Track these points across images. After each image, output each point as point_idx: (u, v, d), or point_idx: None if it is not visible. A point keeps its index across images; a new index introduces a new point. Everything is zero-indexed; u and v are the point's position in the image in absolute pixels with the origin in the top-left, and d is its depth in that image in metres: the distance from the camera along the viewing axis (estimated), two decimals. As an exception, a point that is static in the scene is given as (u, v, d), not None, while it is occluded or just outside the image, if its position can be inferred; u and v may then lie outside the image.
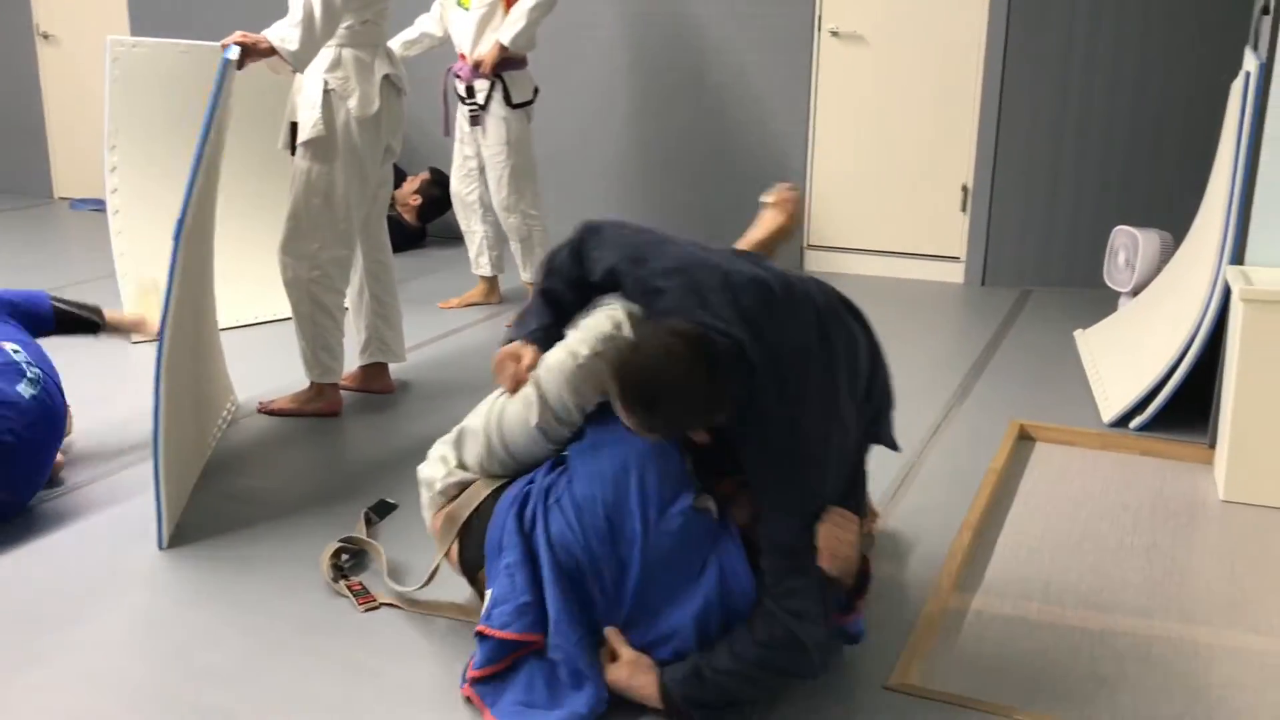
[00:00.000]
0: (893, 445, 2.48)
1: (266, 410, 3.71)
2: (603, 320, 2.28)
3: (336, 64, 3.44)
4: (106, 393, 3.82)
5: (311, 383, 3.69)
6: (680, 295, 2.11)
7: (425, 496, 2.43)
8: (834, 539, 2.02)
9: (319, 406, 3.69)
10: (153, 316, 3.36)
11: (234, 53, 2.98)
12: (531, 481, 2.26)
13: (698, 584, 2.10)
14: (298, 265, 3.53)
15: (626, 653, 2.11)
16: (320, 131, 3.44)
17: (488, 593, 2.19)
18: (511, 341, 2.35)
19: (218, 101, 2.82)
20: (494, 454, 2.33)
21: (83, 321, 3.42)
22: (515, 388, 2.29)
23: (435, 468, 2.41)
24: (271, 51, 3.17)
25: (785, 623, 2.01)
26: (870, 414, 2.34)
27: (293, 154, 3.52)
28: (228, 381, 3.74)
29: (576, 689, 2.10)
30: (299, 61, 3.24)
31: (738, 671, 2.04)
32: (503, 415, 2.31)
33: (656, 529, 2.10)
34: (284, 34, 3.18)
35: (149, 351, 4.22)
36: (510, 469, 2.34)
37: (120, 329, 3.58)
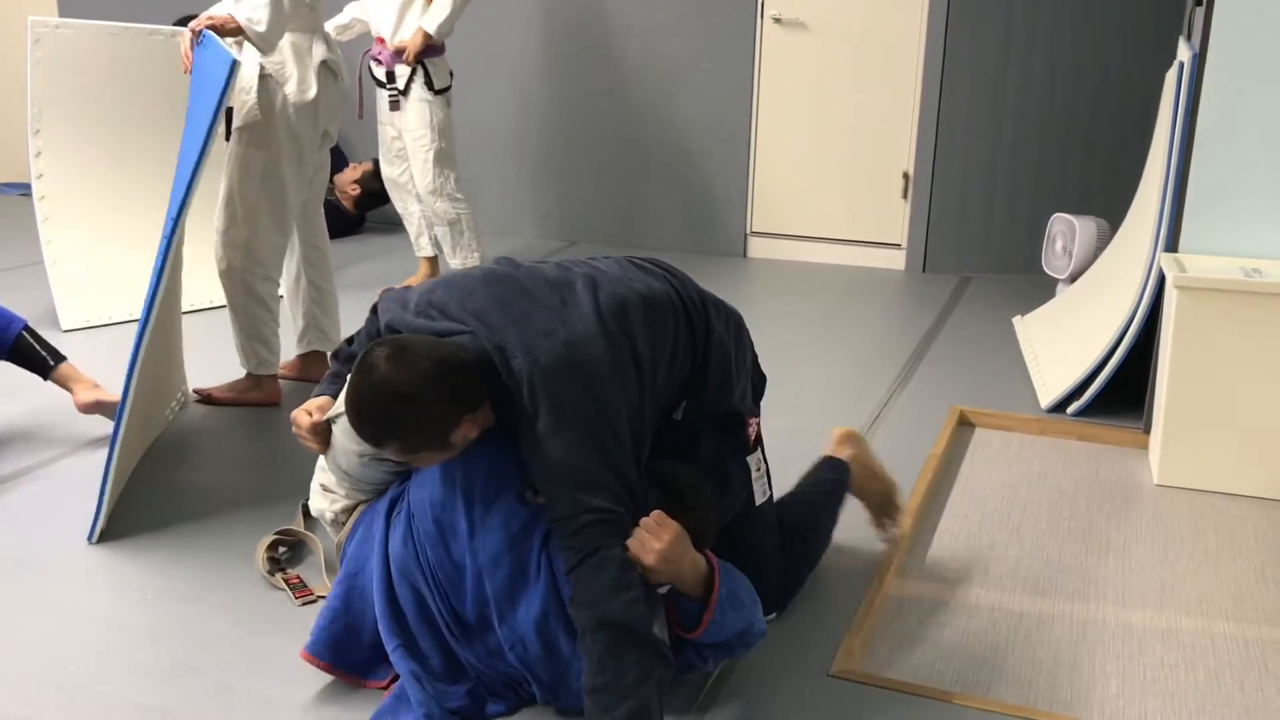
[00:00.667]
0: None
1: (204, 398, 3.64)
2: None
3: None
4: (31, 384, 3.72)
5: (248, 373, 3.63)
6: (448, 315, 2.06)
7: (328, 528, 2.40)
8: (643, 551, 1.93)
9: (257, 397, 3.64)
10: (106, 400, 3.26)
11: (235, 52, 2.90)
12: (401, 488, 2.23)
13: (535, 585, 2.02)
14: (232, 254, 3.47)
15: None
16: (256, 116, 3.38)
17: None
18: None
19: (222, 101, 2.74)
20: (344, 481, 2.29)
21: (37, 359, 3.28)
22: (316, 441, 2.26)
23: (319, 500, 2.37)
24: (238, 31, 3.12)
25: (597, 627, 1.87)
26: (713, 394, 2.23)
27: (227, 139, 3.45)
28: (181, 370, 3.67)
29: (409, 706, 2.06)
30: (265, 44, 3.19)
31: (605, 690, 1.86)
32: (334, 446, 2.25)
33: (482, 526, 2.04)
34: (251, 14, 3.12)
35: (80, 341, 4.14)
36: (368, 491, 2.30)
37: (65, 384, 3.32)
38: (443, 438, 2.00)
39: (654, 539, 1.94)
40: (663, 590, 1.98)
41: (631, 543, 1.94)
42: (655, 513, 1.98)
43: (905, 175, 5.53)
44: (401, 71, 4.62)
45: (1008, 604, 2.55)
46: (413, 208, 4.95)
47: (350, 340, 2.34)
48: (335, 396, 2.25)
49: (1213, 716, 2.15)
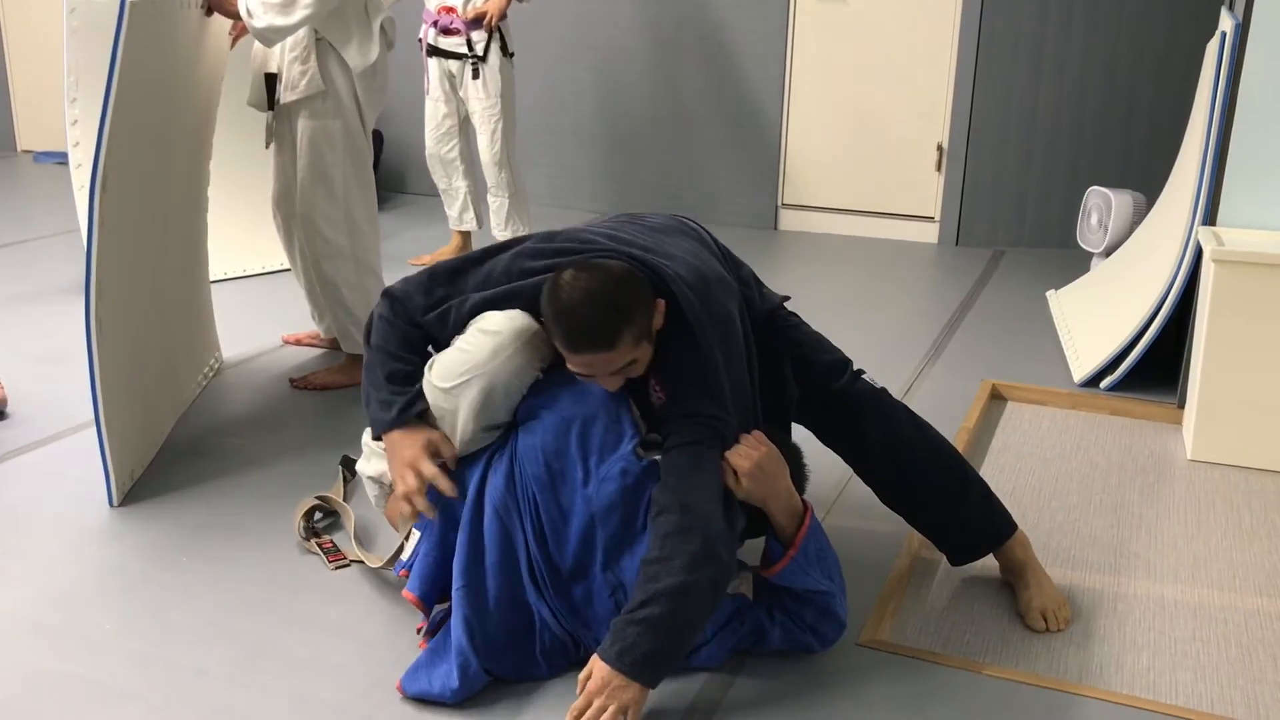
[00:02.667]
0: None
1: (302, 385, 3.53)
2: (479, 339, 2.16)
3: (329, 11, 3.19)
4: (66, 349, 3.77)
5: (349, 355, 3.54)
6: (575, 247, 2.13)
7: (374, 492, 2.39)
8: (738, 456, 2.06)
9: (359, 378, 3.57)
10: None
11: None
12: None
13: (642, 538, 2.06)
14: (336, 234, 3.35)
15: (594, 680, 1.94)
16: (320, 86, 3.25)
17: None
18: (381, 437, 2.21)
19: (118, 43, 2.55)
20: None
21: None
22: (422, 504, 2.14)
23: (374, 462, 2.34)
24: (237, 15, 3.04)
25: (680, 526, 1.95)
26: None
27: (268, 109, 3.34)
28: (211, 337, 3.67)
29: (447, 655, 2.06)
30: (264, 39, 3.08)
31: (667, 595, 1.91)
32: (448, 426, 2.19)
33: (597, 476, 2.08)
34: (252, 5, 3.00)
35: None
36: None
37: None
38: (649, 325, 2.06)
39: (753, 449, 2.07)
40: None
41: (731, 452, 2.06)
42: (756, 431, 2.12)
43: (939, 147, 5.48)
44: (479, 38, 4.60)
45: (1038, 576, 2.53)
46: (459, 184, 4.92)
47: (367, 334, 2.25)
48: (418, 408, 2.16)
49: (1244, 691, 2.14)
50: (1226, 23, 3.42)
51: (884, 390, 2.44)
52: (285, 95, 3.28)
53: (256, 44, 3.34)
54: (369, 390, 2.22)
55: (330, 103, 3.29)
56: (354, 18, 3.27)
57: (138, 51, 2.64)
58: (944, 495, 2.40)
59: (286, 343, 3.89)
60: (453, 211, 5.01)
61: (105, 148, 2.54)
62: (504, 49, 4.65)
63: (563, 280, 2.03)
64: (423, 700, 2.02)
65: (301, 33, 3.20)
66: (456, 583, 2.10)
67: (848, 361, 2.44)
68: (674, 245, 2.19)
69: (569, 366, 2.07)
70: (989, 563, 2.54)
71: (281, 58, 3.27)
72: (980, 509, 2.41)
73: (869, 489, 2.57)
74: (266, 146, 3.45)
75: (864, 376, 2.43)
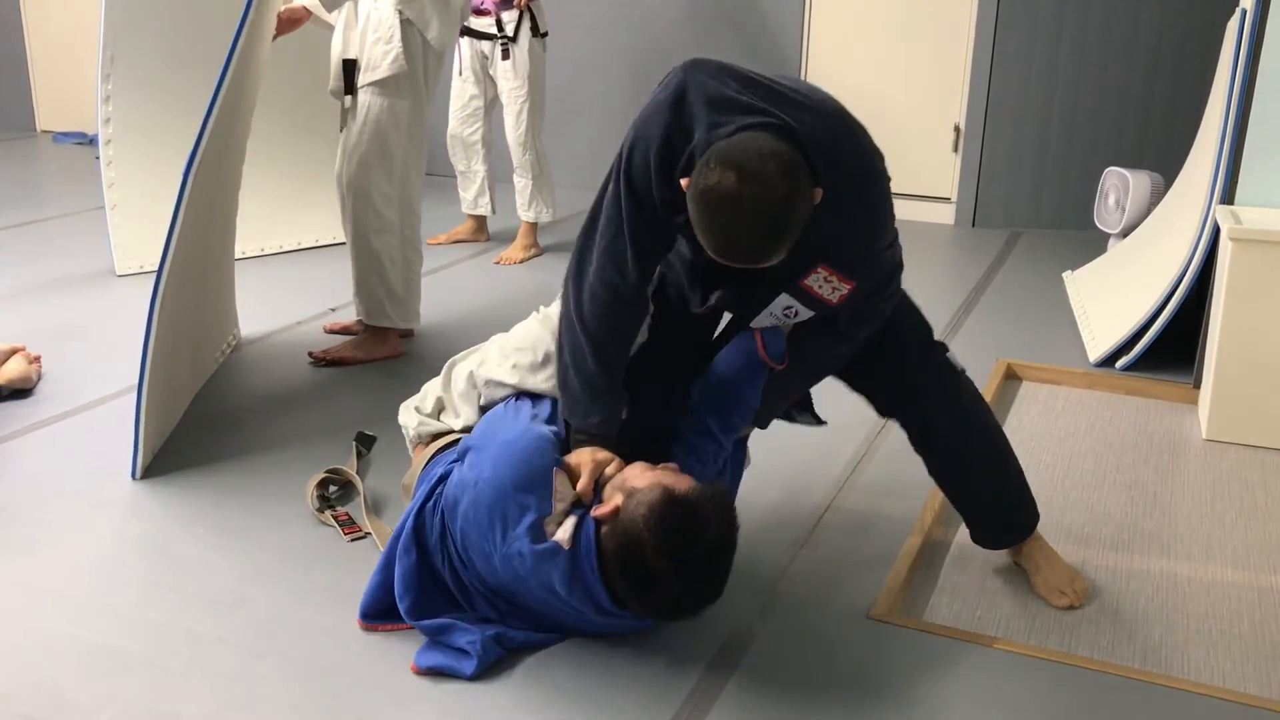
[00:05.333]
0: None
1: (328, 361, 3.53)
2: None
3: None
4: (86, 325, 3.80)
5: (372, 328, 3.57)
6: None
7: (409, 435, 2.44)
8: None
9: (388, 351, 3.60)
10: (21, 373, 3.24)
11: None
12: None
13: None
14: (389, 210, 3.40)
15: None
16: (403, 66, 3.29)
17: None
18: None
19: (243, 27, 2.65)
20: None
21: None
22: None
23: (408, 415, 2.41)
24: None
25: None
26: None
27: (346, 93, 3.35)
28: (232, 313, 3.70)
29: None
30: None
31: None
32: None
33: (501, 551, 1.99)
34: None
35: (133, 286, 4.21)
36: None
37: None
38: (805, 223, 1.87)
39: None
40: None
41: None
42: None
43: (956, 128, 5.46)
44: (509, 17, 4.59)
45: (1050, 553, 2.54)
46: (478, 167, 4.91)
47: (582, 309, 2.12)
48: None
49: (1257, 668, 2.14)
50: (1247, 0, 3.40)
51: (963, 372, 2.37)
52: (365, 76, 3.32)
53: (337, 33, 3.38)
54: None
55: (405, 82, 3.33)
56: (432, 1, 3.32)
57: (254, 32, 2.72)
58: (988, 485, 2.37)
59: (330, 332, 3.84)
60: (468, 195, 5.00)
61: (210, 129, 2.59)
62: (535, 29, 4.61)
63: (716, 182, 1.79)
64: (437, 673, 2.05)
65: (388, 13, 3.26)
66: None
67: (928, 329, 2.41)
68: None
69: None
70: (1002, 539, 2.54)
71: (362, 41, 3.32)
72: (1016, 497, 2.40)
73: (881, 469, 2.58)
74: (341, 130, 3.44)
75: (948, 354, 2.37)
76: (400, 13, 3.28)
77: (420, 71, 3.36)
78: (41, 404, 3.20)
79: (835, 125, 2.01)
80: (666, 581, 1.88)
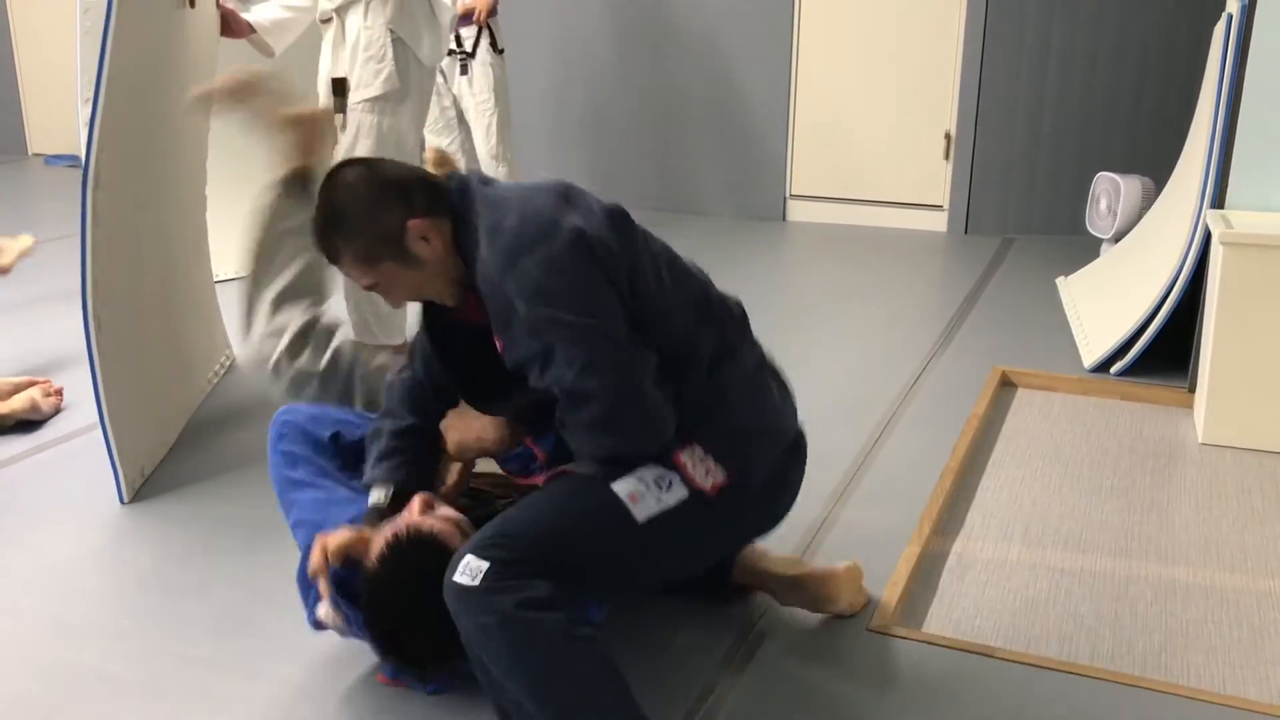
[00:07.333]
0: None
1: None
2: None
3: (401, 10, 3.27)
4: (71, 354, 3.78)
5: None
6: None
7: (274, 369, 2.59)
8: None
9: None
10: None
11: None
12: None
13: None
14: None
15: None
16: (396, 85, 3.30)
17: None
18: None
19: (105, 40, 2.59)
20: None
21: None
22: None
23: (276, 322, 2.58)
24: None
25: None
26: None
27: (339, 110, 3.33)
28: (220, 335, 3.68)
29: None
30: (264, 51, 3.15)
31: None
32: None
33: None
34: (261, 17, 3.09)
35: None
36: None
37: None
38: (390, 247, 1.85)
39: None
40: None
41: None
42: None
43: (947, 135, 5.47)
44: (468, 34, 4.63)
45: (1048, 560, 2.54)
46: None
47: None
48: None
49: (1256, 672, 2.13)
50: (1233, 5, 3.41)
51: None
52: (356, 94, 3.30)
53: (323, 52, 3.39)
54: None
55: (395, 101, 3.34)
56: (423, 18, 3.34)
57: (125, 48, 2.66)
58: None
59: None
60: None
61: (96, 144, 2.55)
62: (494, 45, 4.67)
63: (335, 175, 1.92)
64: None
65: (379, 31, 3.27)
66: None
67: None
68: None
69: None
70: (1000, 552, 2.54)
71: (352, 59, 3.31)
72: None
73: (880, 479, 2.58)
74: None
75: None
76: (392, 31, 3.28)
77: (411, 90, 3.37)
78: (38, 430, 3.19)
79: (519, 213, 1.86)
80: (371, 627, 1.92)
